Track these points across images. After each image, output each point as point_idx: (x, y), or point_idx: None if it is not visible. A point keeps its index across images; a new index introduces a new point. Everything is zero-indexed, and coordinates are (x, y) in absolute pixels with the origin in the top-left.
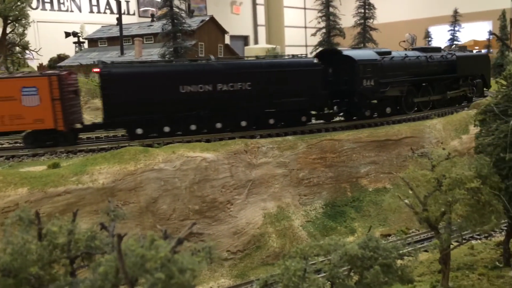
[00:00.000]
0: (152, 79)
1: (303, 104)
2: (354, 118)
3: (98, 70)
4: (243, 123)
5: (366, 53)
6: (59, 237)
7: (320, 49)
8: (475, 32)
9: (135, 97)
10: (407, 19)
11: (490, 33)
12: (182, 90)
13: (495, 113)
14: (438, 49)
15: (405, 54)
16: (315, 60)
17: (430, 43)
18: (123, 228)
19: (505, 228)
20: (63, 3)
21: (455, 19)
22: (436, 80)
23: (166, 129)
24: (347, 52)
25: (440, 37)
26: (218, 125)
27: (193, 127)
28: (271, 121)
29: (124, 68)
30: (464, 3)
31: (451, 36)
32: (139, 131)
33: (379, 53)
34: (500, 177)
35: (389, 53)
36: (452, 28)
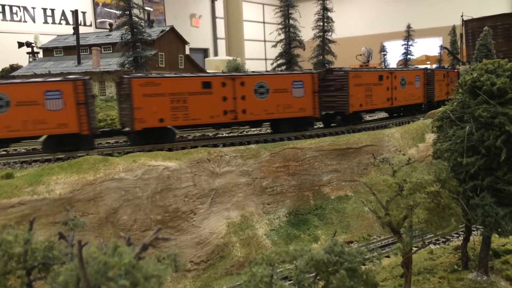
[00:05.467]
0: None
1: None
2: None
3: (456, 70)
4: None
5: None
6: (15, 246)
7: (280, 61)
8: (427, 48)
9: None
10: (363, 34)
11: (442, 47)
12: None
13: (452, 120)
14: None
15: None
16: None
17: (385, 57)
18: (81, 240)
19: (462, 232)
20: (16, 13)
21: (409, 35)
22: None
23: None
24: None
25: (394, 51)
26: None
27: None
28: None
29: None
30: (417, 20)
31: (404, 51)
32: None
33: None
34: (458, 181)
35: None
36: (406, 43)
